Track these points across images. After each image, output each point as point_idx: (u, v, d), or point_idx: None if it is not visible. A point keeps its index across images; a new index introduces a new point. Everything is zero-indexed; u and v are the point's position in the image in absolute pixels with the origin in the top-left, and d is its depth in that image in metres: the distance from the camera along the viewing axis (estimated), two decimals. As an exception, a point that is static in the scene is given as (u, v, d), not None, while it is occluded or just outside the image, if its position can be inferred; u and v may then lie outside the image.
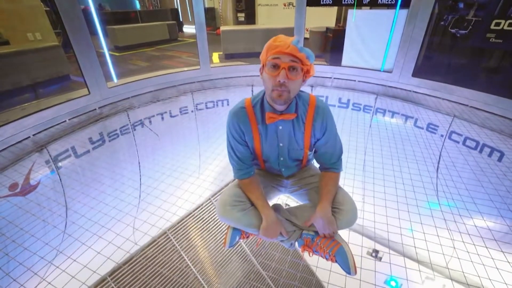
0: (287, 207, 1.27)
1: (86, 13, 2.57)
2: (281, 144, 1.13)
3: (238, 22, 9.18)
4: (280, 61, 0.91)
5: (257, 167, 1.37)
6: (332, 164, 1.16)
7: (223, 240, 1.18)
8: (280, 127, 1.08)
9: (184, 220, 3.17)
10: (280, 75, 0.90)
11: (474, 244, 1.63)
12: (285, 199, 3.07)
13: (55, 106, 2.50)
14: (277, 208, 1.22)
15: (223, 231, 3.41)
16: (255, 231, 1.11)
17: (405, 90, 3.23)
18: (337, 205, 1.09)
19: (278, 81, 0.91)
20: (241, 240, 1.27)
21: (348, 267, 1.01)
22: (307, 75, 0.99)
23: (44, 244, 1.93)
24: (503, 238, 1.84)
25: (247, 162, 1.17)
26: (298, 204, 1.31)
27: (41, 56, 4.10)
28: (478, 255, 1.63)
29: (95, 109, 2.82)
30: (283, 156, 1.18)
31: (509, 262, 1.51)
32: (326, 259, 1.09)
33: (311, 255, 1.15)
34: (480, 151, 2.49)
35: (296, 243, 1.18)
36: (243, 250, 3.41)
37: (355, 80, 3.62)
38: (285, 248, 3.86)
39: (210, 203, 3.59)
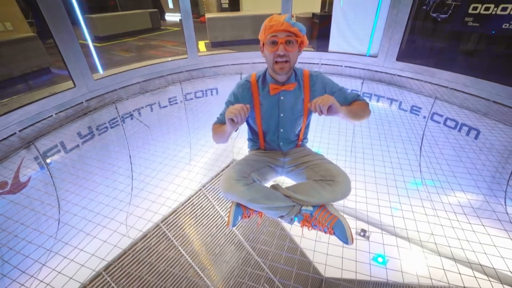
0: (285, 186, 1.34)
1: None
2: (281, 115, 1.24)
3: (222, 9, 8.95)
4: (277, 38, 1.05)
5: (256, 146, 1.43)
6: (355, 99, 1.23)
7: (226, 221, 1.24)
8: (282, 98, 1.20)
9: (175, 212, 3.20)
10: (279, 49, 1.05)
11: (454, 213, 1.78)
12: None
13: (41, 101, 2.42)
14: (275, 186, 1.28)
15: (216, 220, 3.48)
16: (257, 206, 1.17)
17: (390, 74, 3.33)
18: (332, 177, 1.17)
19: (278, 54, 1.05)
20: (236, 229, 1.34)
21: (346, 238, 1.10)
22: (302, 45, 1.12)
23: (37, 246, 1.91)
24: (481, 206, 2.03)
25: None
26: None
27: (19, 48, 3.86)
28: (452, 228, 1.78)
29: (82, 102, 2.74)
30: (283, 127, 1.27)
31: (487, 233, 1.67)
32: (325, 232, 1.17)
33: (310, 229, 1.24)
34: (459, 130, 2.66)
35: (296, 220, 1.26)
36: (237, 238, 3.50)
37: (341, 66, 3.69)
38: (280, 234, 4.00)
39: (201, 194, 3.63)
